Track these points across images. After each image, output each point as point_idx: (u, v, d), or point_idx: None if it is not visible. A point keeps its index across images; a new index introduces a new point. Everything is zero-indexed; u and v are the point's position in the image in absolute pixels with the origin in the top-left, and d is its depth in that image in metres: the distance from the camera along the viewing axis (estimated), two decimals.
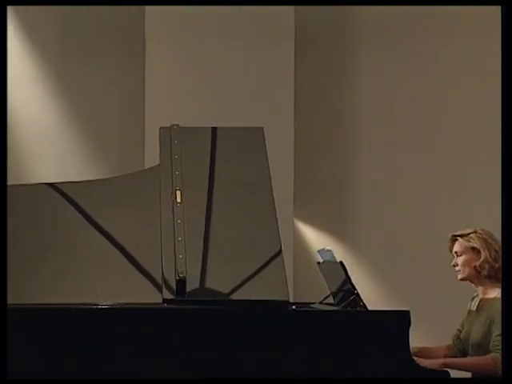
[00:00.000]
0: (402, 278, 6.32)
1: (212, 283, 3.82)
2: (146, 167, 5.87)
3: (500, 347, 3.88)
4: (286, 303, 3.76)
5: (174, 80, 6.37)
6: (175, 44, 6.38)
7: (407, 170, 6.51)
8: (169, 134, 4.21)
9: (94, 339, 3.66)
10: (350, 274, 3.96)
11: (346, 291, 3.96)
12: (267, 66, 6.35)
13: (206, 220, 3.97)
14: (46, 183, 4.28)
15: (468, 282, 4.18)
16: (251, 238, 3.93)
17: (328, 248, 4.21)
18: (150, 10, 6.37)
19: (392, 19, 6.53)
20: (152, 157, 5.80)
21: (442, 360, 3.98)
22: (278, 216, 3.94)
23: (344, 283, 3.98)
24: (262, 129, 4.21)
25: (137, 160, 6.27)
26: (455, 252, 4.16)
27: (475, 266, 4.08)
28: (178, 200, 3.98)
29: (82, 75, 6.53)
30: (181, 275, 3.76)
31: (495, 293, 4.08)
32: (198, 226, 3.95)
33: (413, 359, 3.70)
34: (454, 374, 4.01)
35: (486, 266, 4.05)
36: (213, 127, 4.29)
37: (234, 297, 3.78)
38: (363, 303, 3.86)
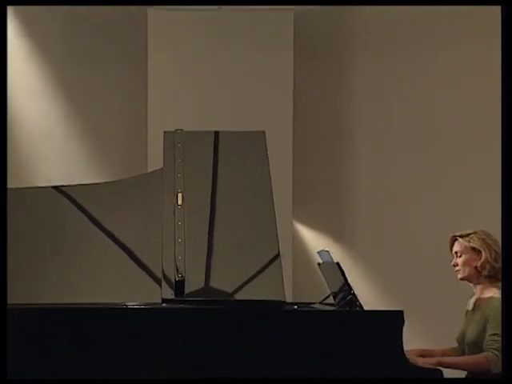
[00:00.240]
0: (399, 279, 6.29)
1: (210, 284, 3.79)
2: (149, 169, 5.90)
3: (494, 346, 3.88)
4: (282, 303, 3.72)
5: (175, 83, 6.37)
6: (177, 48, 6.40)
7: (404, 173, 6.47)
8: (172, 138, 4.19)
9: (94, 339, 3.64)
10: (347, 274, 3.95)
11: (344, 291, 3.94)
12: (267, 70, 6.36)
13: (206, 222, 3.95)
14: (51, 186, 4.26)
15: (466, 282, 4.16)
16: (250, 241, 3.90)
17: (326, 249, 4.21)
18: (152, 13, 6.39)
19: (390, 23, 6.51)
20: (154, 159, 5.82)
21: (436, 359, 3.96)
22: (277, 218, 3.93)
23: (341, 284, 3.96)
24: (263, 133, 4.18)
25: (139, 162, 6.27)
26: (455, 252, 4.14)
27: (476, 266, 4.07)
28: (180, 202, 3.97)
29: (84, 78, 6.51)
30: (180, 276, 3.76)
31: (491, 292, 4.06)
32: (198, 227, 3.94)
33: (406, 358, 3.67)
34: (454, 373, 4.04)
35: (487, 266, 4.05)
36: (215, 131, 4.27)
37: (231, 298, 3.76)
38: (359, 303, 3.85)
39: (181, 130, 4.25)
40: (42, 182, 5.79)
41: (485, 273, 4.07)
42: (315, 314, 3.87)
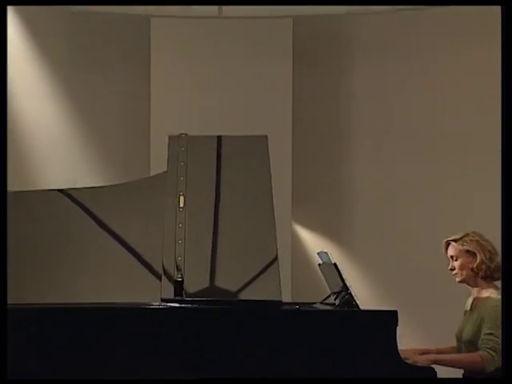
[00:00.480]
0: (398, 280, 6.26)
1: (209, 285, 3.76)
2: (151, 172, 5.93)
3: (488, 345, 3.84)
4: (280, 303, 3.69)
5: (177, 88, 6.38)
6: (179, 54, 6.41)
7: (402, 175, 6.45)
8: (177, 143, 4.17)
9: (94, 339, 3.61)
10: (346, 275, 3.94)
11: (342, 291, 3.91)
12: (267, 75, 6.37)
13: (207, 224, 3.93)
14: (57, 189, 4.24)
15: (464, 284, 4.12)
16: (250, 243, 3.88)
17: (325, 250, 4.18)
18: (155, 20, 6.42)
19: (387, 29, 6.51)
20: (157, 162, 5.85)
21: (432, 356, 3.91)
22: (276, 219, 3.90)
23: (339, 284, 3.94)
24: (265, 137, 4.17)
25: (142, 165, 6.26)
26: (451, 256, 4.10)
27: (472, 268, 4.03)
28: (181, 205, 3.95)
29: (88, 83, 6.50)
30: (179, 276, 3.73)
31: (488, 293, 4.02)
32: (199, 229, 3.92)
33: (400, 357, 3.64)
34: (453, 373, 4.01)
35: (483, 266, 4.01)
36: (218, 135, 4.25)
37: (230, 298, 3.72)
38: (356, 303, 3.81)
39: (185, 134, 4.22)
40: (49, 186, 5.81)
41: (481, 274, 4.03)
42: (310, 313, 3.83)
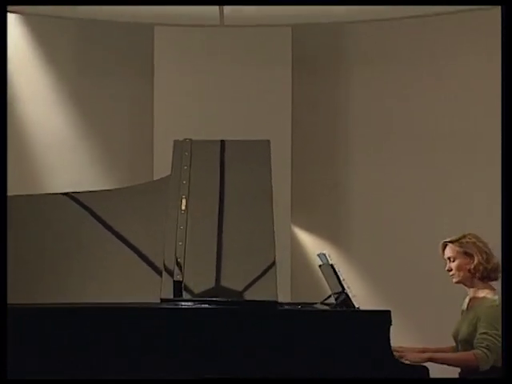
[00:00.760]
0: (394, 281, 6.25)
1: (207, 286, 3.73)
2: (155, 176, 5.95)
3: (483, 344, 3.84)
4: (275, 303, 3.64)
5: (180, 95, 6.37)
6: (181, 62, 6.40)
7: (399, 179, 6.43)
8: (181, 147, 4.17)
9: (94, 339, 3.57)
10: (344, 276, 3.93)
11: (340, 292, 3.90)
12: (267, 83, 6.35)
13: (208, 227, 3.91)
14: (62, 193, 4.26)
15: (461, 285, 4.13)
16: (249, 246, 3.86)
17: (324, 252, 4.17)
18: (158, 29, 6.42)
19: (383, 38, 6.52)
20: (160, 166, 5.87)
21: (428, 354, 3.91)
22: (276, 222, 3.87)
23: (337, 284, 3.93)
24: (268, 142, 4.16)
25: (145, 169, 6.26)
26: (448, 257, 4.11)
27: (469, 270, 4.04)
28: (183, 208, 3.94)
29: (94, 90, 6.50)
30: (177, 277, 3.69)
31: (484, 293, 4.02)
32: (200, 231, 3.89)
33: (394, 356, 3.61)
34: (452, 373, 4.01)
35: (480, 268, 4.02)
36: (221, 140, 4.25)
37: (228, 298, 3.68)
38: (352, 303, 3.79)
39: (189, 139, 4.23)
40: (55, 190, 5.82)
41: (478, 275, 4.03)
42: (304, 313, 3.79)
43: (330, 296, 4.10)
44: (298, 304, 4.07)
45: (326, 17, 6.29)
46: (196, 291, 3.73)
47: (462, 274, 4.07)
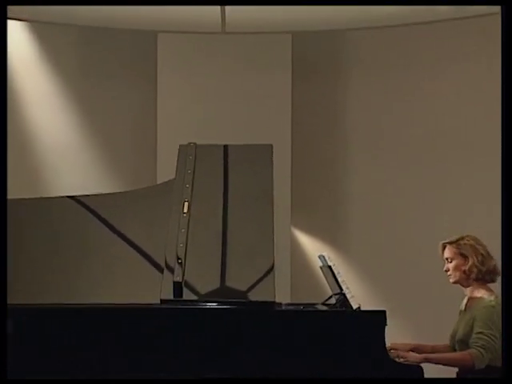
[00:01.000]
0: (392, 283, 6.23)
1: (207, 287, 3.70)
2: (158, 179, 5.95)
3: (478, 344, 3.83)
4: (273, 304, 3.63)
5: (183, 100, 6.37)
6: (184, 68, 6.39)
7: (396, 183, 6.40)
8: (185, 151, 4.15)
9: (94, 339, 3.53)
10: (344, 277, 3.91)
11: (338, 292, 3.89)
12: (267, 88, 6.33)
13: (209, 229, 3.89)
14: (68, 196, 4.25)
15: (458, 285, 4.12)
16: (249, 250, 3.82)
17: (323, 254, 4.14)
18: (162, 36, 6.41)
19: (380, 44, 6.52)
20: (163, 170, 5.88)
21: (424, 355, 3.88)
22: (276, 224, 3.84)
23: (335, 285, 3.92)
24: (271, 146, 4.13)
25: (149, 173, 6.26)
26: (446, 258, 4.11)
27: (464, 271, 4.04)
28: (185, 210, 3.91)
29: (98, 95, 6.48)
30: (177, 278, 3.65)
31: (480, 293, 4.01)
32: (201, 234, 3.86)
33: (388, 356, 3.59)
34: (451, 373, 3.99)
35: (474, 269, 4.02)
36: (225, 145, 4.22)
37: (226, 299, 3.65)
38: (349, 303, 3.75)
39: (194, 143, 4.21)
40: (60, 193, 5.81)
41: (473, 276, 4.03)
42: (299, 313, 3.78)
43: (330, 297, 4.07)
44: (300, 305, 4.05)
45: (325, 24, 6.29)
46: (196, 292, 3.69)
47: (458, 274, 4.08)
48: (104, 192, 4.54)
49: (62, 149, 6.45)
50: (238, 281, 3.71)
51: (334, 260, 4.08)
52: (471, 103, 6.26)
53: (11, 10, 5.70)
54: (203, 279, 3.72)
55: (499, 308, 3.86)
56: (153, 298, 3.65)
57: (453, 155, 6.33)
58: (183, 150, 4.16)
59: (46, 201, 4.35)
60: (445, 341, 4.15)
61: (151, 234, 3.95)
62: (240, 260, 3.79)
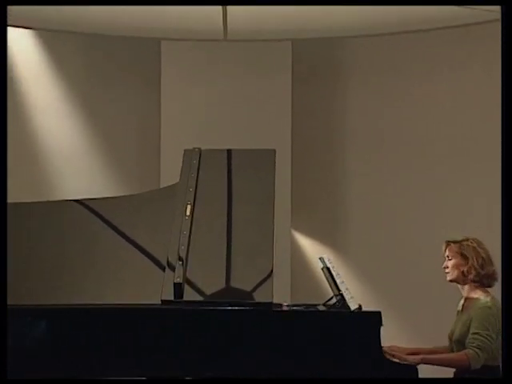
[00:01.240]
0: (391, 284, 6.21)
1: (207, 288, 3.69)
2: (161, 183, 5.97)
3: (474, 344, 3.79)
4: (270, 304, 3.61)
5: (186, 105, 6.38)
6: (187, 74, 6.39)
7: (395, 186, 6.39)
8: (190, 155, 4.13)
9: (94, 339, 3.50)
10: (343, 278, 3.90)
11: (338, 293, 3.87)
12: (268, 94, 6.33)
13: (210, 232, 3.89)
14: (73, 199, 4.26)
15: (455, 286, 4.08)
16: (250, 253, 3.80)
17: (323, 255, 4.11)
18: (165, 43, 6.41)
19: (378, 50, 6.52)
20: (166, 174, 5.89)
21: (421, 356, 3.82)
22: (277, 226, 3.82)
23: (334, 286, 3.90)
24: (274, 151, 4.09)
25: (153, 177, 6.26)
26: (447, 256, 4.08)
27: (463, 271, 4.00)
28: (187, 213, 3.89)
29: (104, 101, 6.47)
30: (178, 279, 3.63)
31: (477, 294, 3.97)
32: (202, 237, 3.85)
33: (384, 356, 3.56)
34: (449, 373, 3.94)
35: (473, 271, 3.97)
36: (228, 149, 4.20)
37: (225, 300, 3.63)
38: (347, 304, 3.73)
39: (198, 148, 4.18)
40: (66, 197, 5.83)
41: (471, 277, 3.98)
42: (297, 314, 3.75)
43: (331, 297, 4.04)
44: (302, 306, 4.05)
45: (324, 32, 6.28)
46: (196, 293, 3.68)
47: (455, 273, 4.04)
48: (109, 196, 4.54)
49: (67, 153, 6.43)
50: (238, 282, 3.69)
51: (333, 262, 4.07)
52: (467, 108, 6.25)
53: (19, 18, 5.72)
54: (204, 280, 3.70)
55: (495, 309, 3.83)
56: (157, 300, 3.62)
57: (450, 158, 6.31)
58: (188, 154, 4.14)
59: (53, 204, 4.34)
60: (444, 341, 4.10)
61: (155, 237, 3.93)
62: (240, 262, 3.76)
